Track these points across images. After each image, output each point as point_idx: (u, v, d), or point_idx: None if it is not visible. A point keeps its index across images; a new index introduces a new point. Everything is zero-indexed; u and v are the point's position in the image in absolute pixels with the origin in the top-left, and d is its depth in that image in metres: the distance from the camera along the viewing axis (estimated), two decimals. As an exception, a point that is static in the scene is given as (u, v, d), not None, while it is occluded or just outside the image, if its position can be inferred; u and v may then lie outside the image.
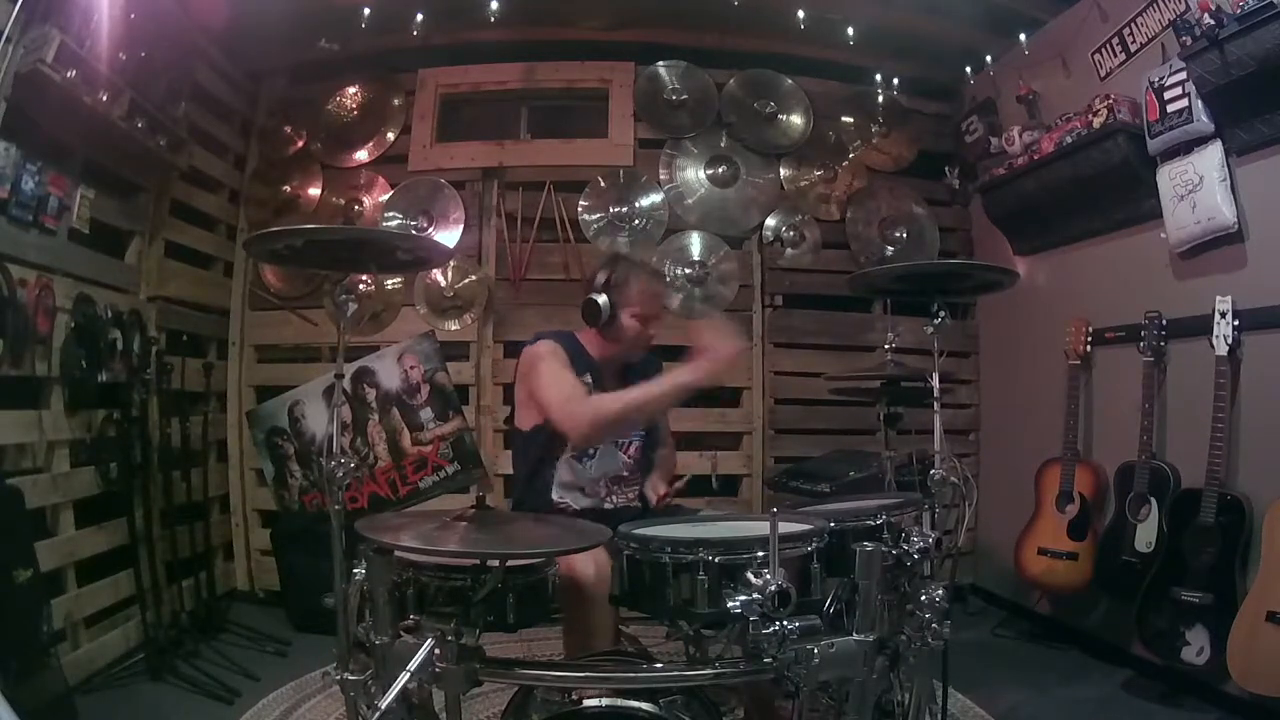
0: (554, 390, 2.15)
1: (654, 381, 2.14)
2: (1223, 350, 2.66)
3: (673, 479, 2.46)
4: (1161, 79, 2.84)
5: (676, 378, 2.09)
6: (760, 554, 1.47)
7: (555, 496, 2.29)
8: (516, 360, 2.40)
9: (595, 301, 2.29)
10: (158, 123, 3.16)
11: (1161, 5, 2.95)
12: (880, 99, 4.23)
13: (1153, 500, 2.91)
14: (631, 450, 2.39)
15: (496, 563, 1.50)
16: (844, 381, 3.02)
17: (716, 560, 1.51)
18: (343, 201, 4.08)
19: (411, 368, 3.94)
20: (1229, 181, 2.72)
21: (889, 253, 4.18)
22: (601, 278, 2.35)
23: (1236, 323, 2.66)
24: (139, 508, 3.14)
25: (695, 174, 4.14)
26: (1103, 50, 3.27)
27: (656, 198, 4.09)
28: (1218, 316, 2.68)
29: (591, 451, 2.30)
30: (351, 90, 4.15)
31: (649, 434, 2.44)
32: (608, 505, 2.32)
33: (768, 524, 1.40)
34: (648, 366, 2.48)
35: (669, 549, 1.55)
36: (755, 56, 4.20)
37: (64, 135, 2.77)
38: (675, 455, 2.72)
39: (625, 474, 2.37)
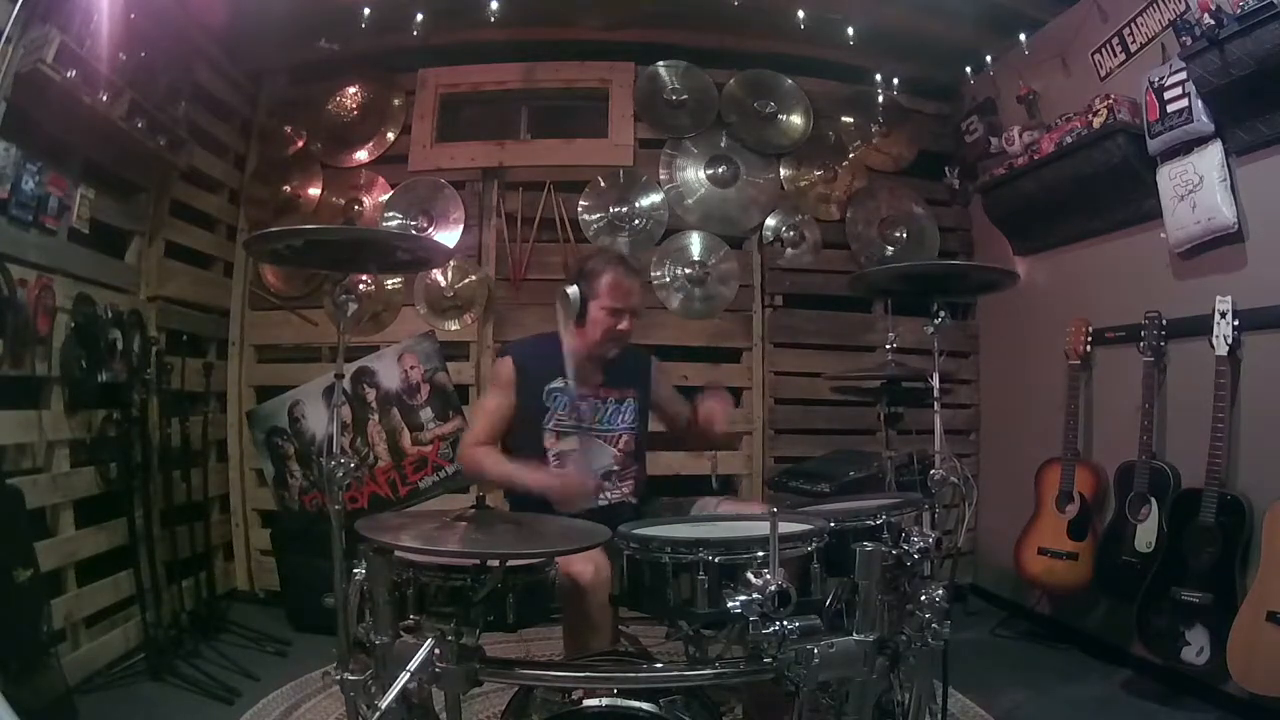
0: (471, 422, 2.45)
1: (516, 470, 2.24)
2: (1223, 350, 2.66)
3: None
4: (1161, 79, 2.84)
5: (528, 477, 2.19)
6: (760, 554, 1.47)
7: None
8: None
9: (565, 292, 2.31)
10: (158, 123, 3.16)
11: (1161, 5, 2.95)
12: (880, 99, 4.22)
13: (1153, 500, 2.91)
14: (621, 443, 2.38)
15: (496, 563, 1.50)
16: (842, 379, 3.03)
17: (716, 560, 1.51)
18: (343, 201, 4.08)
19: (411, 368, 3.94)
20: (1229, 181, 2.72)
21: (889, 253, 4.18)
22: (575, 269, 2.39)
23: (1236, 323, 2.65)
24: (139, 508, 3.14)
25: (695, 174, 4.13)
26: (1103, 50, 3.27)
27: (656, 198, 4.09)
28: (1218, 316, 2.67)
29: (576, 454, 2.31)
30: (351, 90, 4.15)
31: (641, 422, 2.44)
32: (601, 501, 2.31)
33: (768, 524, 1.40)
34: (634, 363, 2.48)
35: (669, 549, 1.55)
36: (755, 56, 4.20)
37: (64, 135, 2.77)
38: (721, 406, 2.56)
39: (616, 468, 2.37)
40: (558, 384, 2.30)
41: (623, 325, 2.31)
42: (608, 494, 2.35)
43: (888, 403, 2.65)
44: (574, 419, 2.33)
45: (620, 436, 2.39)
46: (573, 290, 2.30)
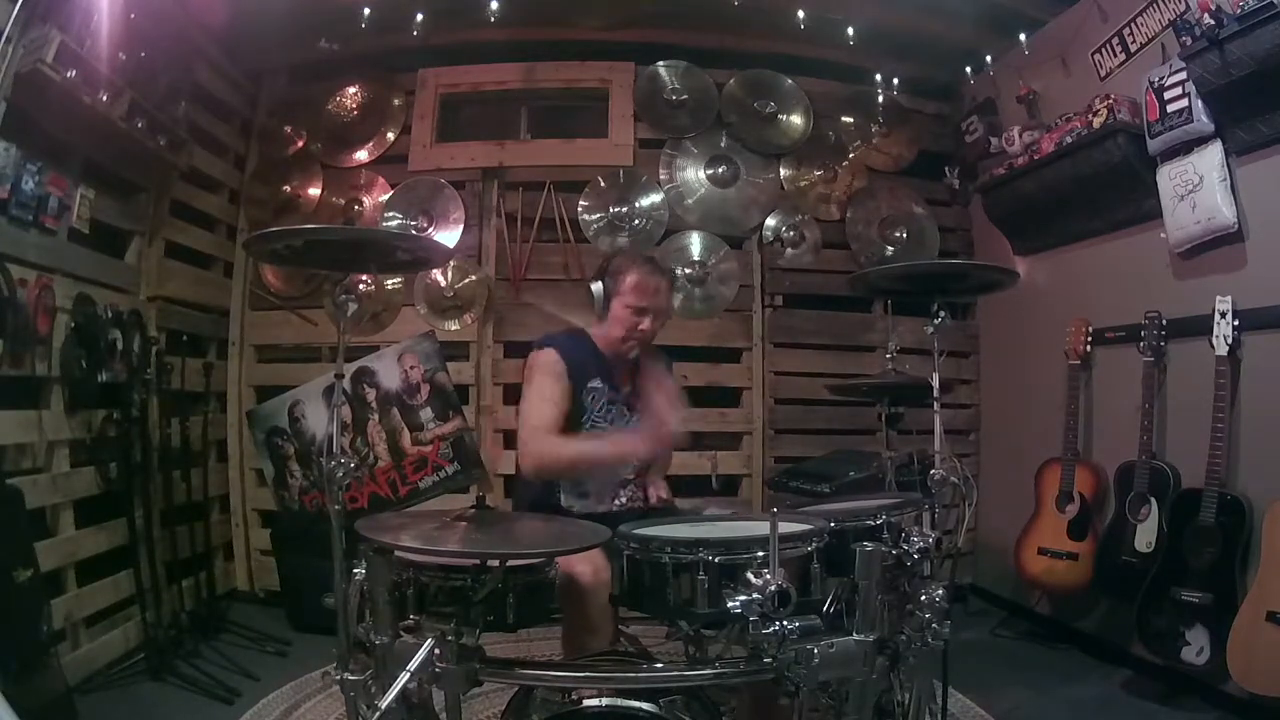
0: (529, 413, 2.21)
1: (606, 439, 2.20)
2: (1223, 350, 2.66)
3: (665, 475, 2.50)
4: (1161, 79, 2.84)
5: (627, 445, 2.18)
6: (760, 554, 1.47)
7: (563, 501, 2.27)
8: (523, 361, 2.37)
9: (590, 289, 2.32)
10: (158, 123, 3.16)
11: (1161, 5, 2.95)
12: (880, 99, 4.23)
13: (1153, 500, 2.91)
14: None
15: (496, 563, 1.50)
16: (843, 381, 3.03)
17: (716, 560, 1.51)
18: (343, 201, 4.08)
19: (411, 368, 3.94)
20: (1229, 181, 2.72)
21: (889, 253, 4.18)
22: (601, 265, 2.39)
23: (1236, 323, 2.65)
24: (139, 508, 3.14)
25: (695, 174, 4.13)
26: (1103, 50, 3.27)
27: (656, 198, 4.09)
28: (1218, 316, 2.68)
29: None
30: (351, 90, 4.15)
31: None
32: (615, 507, 2.31)
33: (768, 524, 1.40)
34: (657, 365, 2.46)
35: (669, 549, 1.55)
36: (755, 56, 4.20)
37: (64, 135, 2.77)
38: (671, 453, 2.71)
39: (631, 476, 2.36)
40: (596, 383, 2.28)
41: (644, 325, 2.28)
42: (621, 499, 2.33)
43: (888, 402, 2.65)
44: (605, 422, 2.31)
45: None
46: (596, 285, 2.31)
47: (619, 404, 2.33)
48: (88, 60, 2.68)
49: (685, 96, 4.13)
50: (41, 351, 2.70)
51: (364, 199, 4.08)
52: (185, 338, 3.56)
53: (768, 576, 1.38)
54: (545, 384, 2.22)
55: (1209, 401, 2.66)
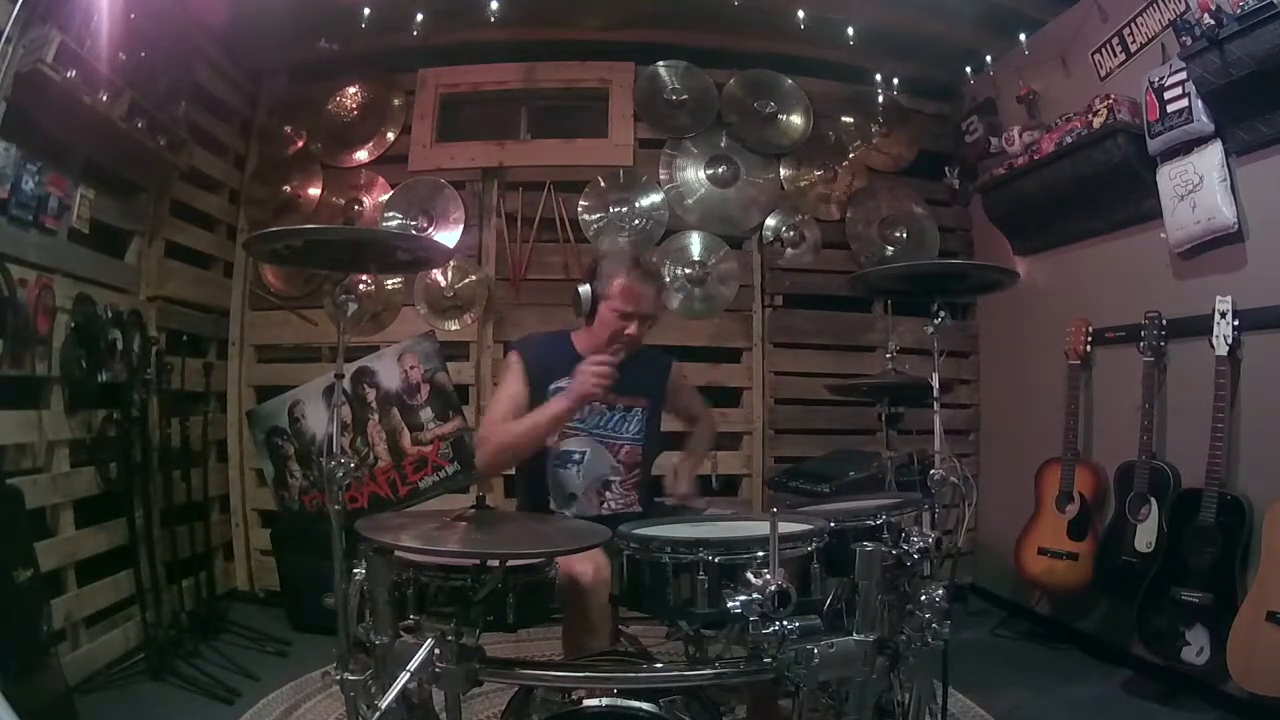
0: (492, 408, 2.30)
1: (534, 411, 2.20)
2: (1223, 350, 2.66)
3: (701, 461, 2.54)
4: (1161, 79, 2.84)
5: (550, 408, 2.17)
6: (760, 554, 1.47)
7: (553, 506, 2.27)
8: None
9: (577, 290, 2.31)
10: (158, 123, 3.16)
11: (1161, 5, 2.95)
12: (880, 99, 4.23)
13: (1153, 500, 2.91)
14: (622, 454, 2.34)
15: (496, 563, 1.50)
16: (843, 381, 3.03)
17: (716, 560, 1.51)
18: (343, 201, 4.08)
19: (411, 368, 3.93)
20: (1229, 181, 2.72)
21: (889, 253, 4.18)
22: (590, 267, 2.38)
23: (1236, 323, 2.65)
24: (139, 508, 3.14)
25: (695, 174, 4.13)
26: (1103, 50, 3.27)
27: (656, 198, 4.09)
28: (1218, 316, 2.67)
29: (577, 456, 2.29)
30: (351, 90, 4.15)
31: (648, 434, 2.40)
32: (604, 512, 2.29)
33: (768, 524, 1.40)
34: (650, 371, 2.44)
35: (669, 549, 1.55)
36: (755, 56, 4.20)
37: (64, 135, 2.77)
38: (712, 431, 2.75)
39: (617, 478, 2.33)
40: (562, 383, 2.27)
41: (630, 330, 2.27)
42: (610, 505, 2.32)
43: (888, 403, 2.65)
44: (580, 422, 2.29)
45: (622, 447, 2.34)
46: (584, 288, 2.29)
47: (596, 404, 2.31)
48: (88, 60, 2.68)
49: (685, 96, 4.13)
50: (41, 351, 2.70)
51: (364, 199, 4.08)
52: (185, 338, 3.56)
53: (768, 576, 1.38)
54: (505, 385, 2.30)
55: (1209, 401, 2.66)
